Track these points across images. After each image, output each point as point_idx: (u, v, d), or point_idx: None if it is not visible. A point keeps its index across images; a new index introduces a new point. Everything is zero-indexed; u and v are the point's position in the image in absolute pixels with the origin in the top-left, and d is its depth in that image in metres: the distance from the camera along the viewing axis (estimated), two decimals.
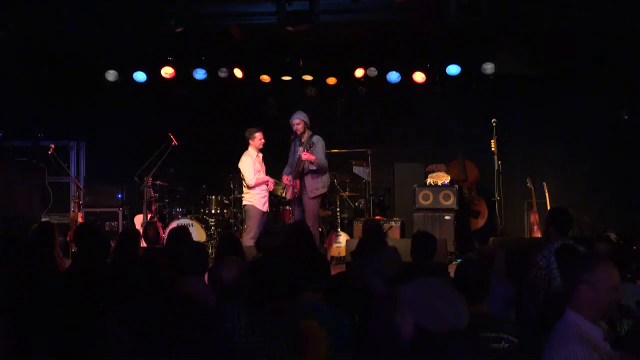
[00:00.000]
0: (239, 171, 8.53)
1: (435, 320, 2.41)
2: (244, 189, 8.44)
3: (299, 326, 3.25)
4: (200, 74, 10.04)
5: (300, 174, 8.02)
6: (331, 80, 10.21)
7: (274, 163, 8.76)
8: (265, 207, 8.36)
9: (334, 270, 4.63)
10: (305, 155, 7.88)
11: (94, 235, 5.02)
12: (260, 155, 8.47)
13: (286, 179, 8.28)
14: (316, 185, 8.00)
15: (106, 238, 4.96)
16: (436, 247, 4.98)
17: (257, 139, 8.36)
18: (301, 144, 8.08)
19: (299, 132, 8.09)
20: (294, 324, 3.24)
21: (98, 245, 4.72)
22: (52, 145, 9.27)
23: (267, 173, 8.55)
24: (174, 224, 8.75)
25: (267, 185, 8.40)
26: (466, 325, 2.42)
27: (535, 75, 9.68)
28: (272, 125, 8.89)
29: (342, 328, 3.41)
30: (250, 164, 8.28)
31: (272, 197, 9.06)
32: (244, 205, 8.46)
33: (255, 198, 8.28)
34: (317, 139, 8.07)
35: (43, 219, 8.68)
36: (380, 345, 2.68)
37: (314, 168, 7.96)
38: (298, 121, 8.04)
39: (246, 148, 8.46)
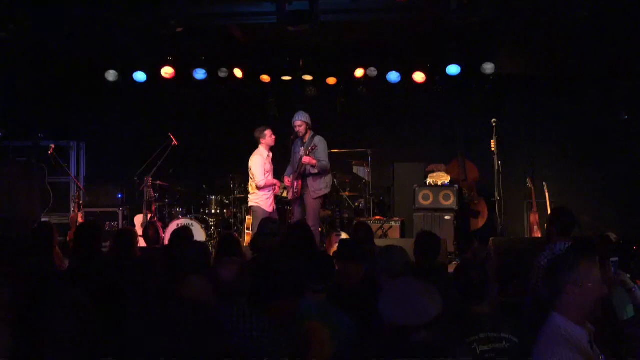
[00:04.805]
0: (245, 171, 8.49)
1: (406, 314, 2.48)
2: (250, 189, 8.35)
3: (303, 327, 3.25)
4: (200, 74, 10.04)
5: (301, 174, 8.01)
6: (331, 80, 10.22)
7: (273, 163, 8.75)
8: (271, 208, 8.29)
9: None
10: (306, 159, 7.87)
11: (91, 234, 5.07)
12: (270, 154, 8.40)
13: (287, 180, 8.27)
14: (319, 186, 8.00)
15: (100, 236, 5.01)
16: (440, 247, 4.98)
17: (268, 136, 8.27)
18: (303, 144, 8.07)
19: (300, 134, 8.08)
20: (297, 325, 3.24)
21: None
22: (52, 145, 9.25)
23: None
24: (174, 224, 8.74)
25: (275, 188, 8.35)
26: (438, 315, 2.50)
27: (535, 75, 9.69)
28: (272, 126, 8.89)
29: (346, 329, 3.40)
30: (261, 164, 8.18)
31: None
32: (251, 206, 8.37)
33: (262, 199, 8.22)
34: (319, 140, 8.05)
35: (43, 219, 8.67)
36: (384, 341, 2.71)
37: (316, 171, 7.95)
38: (300, 123, 8.02)
39: (248, 147, 8.45)
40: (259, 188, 8.17)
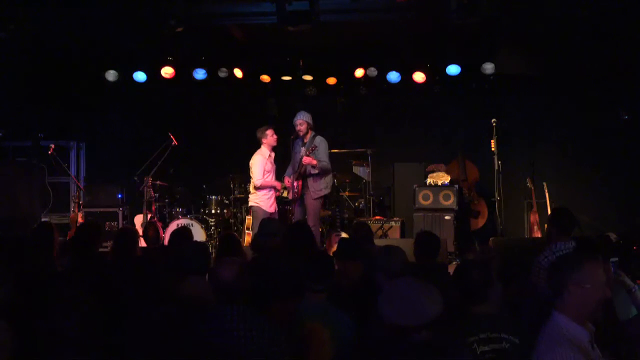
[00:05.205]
0: (245, 170, 8.47)
1: (406, 314, 2.49)
2: (251, 189, 8.33)
3: (303, 327, 3.24)
4: (200, 74, 10.04)
5: (302, 175, 8.00)
6: (331, 80, 10.22)
7: (274, 163, 8.75)
8: (272, 208, 8.23)
9: None
10: (306, 160, 7.85)
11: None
12: (273, 154, 8.34)
13: (287, 180, 8.25)
14: (319, 187, 7.98)
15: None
16: (439, 246, 4.98)
17: (270, 135, 8.22)
18: (303, 144, 8.05)
19: (301, 134, 8.05)
20: (297, 325, 3.23)
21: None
22: (52, 145, 9.23)
23: None
24: (174, 224, 8.74)
25: (274, 190, 8.32)
26: (438, 315, 2.51)
27: (535, 75, 9.69)
28: (272, 125, 8.88)
29: (346, 329, 3.40)
30: (261, 164, 8.14)
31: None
32: (251, 206, 8.33)
33: (262, 199, 8.17)
34: (319, 140, 8.02)
35: (43, 219, 8.66)
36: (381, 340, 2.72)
37: (316, 172, 7.94)
38: (301, 122, 8.00)
39: (248, 147, 8.43)
40: (256, 188, 8.16)
